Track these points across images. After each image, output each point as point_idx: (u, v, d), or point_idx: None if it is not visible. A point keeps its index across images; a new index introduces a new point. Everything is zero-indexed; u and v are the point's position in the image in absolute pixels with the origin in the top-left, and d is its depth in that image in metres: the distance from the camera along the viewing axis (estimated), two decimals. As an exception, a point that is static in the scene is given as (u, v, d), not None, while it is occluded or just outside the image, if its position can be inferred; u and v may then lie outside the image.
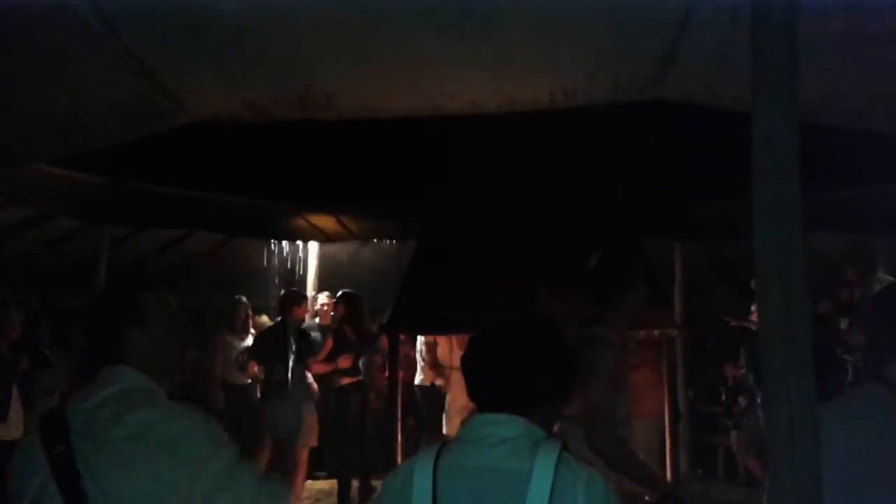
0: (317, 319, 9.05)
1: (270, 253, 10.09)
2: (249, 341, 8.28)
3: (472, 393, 1.87)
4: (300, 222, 7.75)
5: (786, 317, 1.86)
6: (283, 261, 10.32)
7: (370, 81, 2.71)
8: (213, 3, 2.26)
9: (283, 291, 7.62)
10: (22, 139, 3.29)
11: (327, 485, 8.01)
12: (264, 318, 8.68)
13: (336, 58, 2.58)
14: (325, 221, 7.73)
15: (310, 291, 9.99)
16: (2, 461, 1.99)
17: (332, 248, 9.70)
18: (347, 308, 7.65)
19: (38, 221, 7.30)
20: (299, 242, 9.54)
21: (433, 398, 7.70)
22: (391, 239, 9.14)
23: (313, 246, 9.79)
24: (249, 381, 8.13)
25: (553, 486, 1.64)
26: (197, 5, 2.26)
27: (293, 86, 2.78)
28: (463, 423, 1.86)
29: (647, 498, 3.08)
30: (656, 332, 4.92)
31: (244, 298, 8.64)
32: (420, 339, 7.75)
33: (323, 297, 9.05)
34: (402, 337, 6.29)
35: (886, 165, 4.25)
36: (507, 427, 1.74)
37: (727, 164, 2.84)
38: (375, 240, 9.20)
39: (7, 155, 3.50)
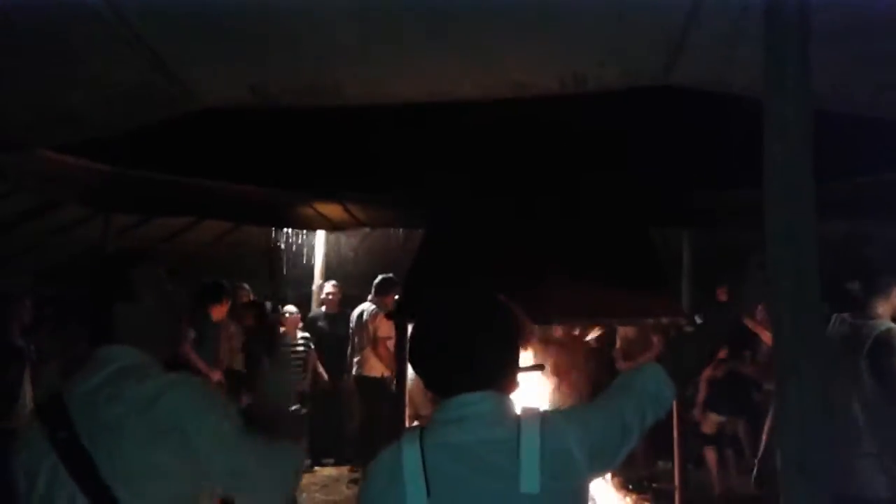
0: (323, 308, 9.08)
1: (277, 241, 10.12)
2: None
3: (434, 381, 1.87)
4: (307, 210, 7.75)
5: (797, 304, 1.87)
6: (289, 249, 10.35)
7: (378, 68, 2.70)
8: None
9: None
10: (28, 126, 3.30)
11: (335, 471, 8.07)
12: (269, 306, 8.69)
13: (344, 45, 2.57)
14: (333, 209, 7.73)
15: (316, 280, 10.03)
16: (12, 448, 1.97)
17: (340, 236, 9.72)
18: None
19: (45, 209, 7.32)
20: (306, 231, 9.55)
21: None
22: (398, 227, 9.14)
23: (320, 234, 9.80)
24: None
25: (542, 444, 1.69)
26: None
27: (301, 73, 2.78)
28: (436, 408, 1.85)
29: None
30: (664, 320, 4.91)
31: (247, 286, 8.66)
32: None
33: (329, 286, 9.08)
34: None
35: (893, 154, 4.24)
36: (482, 404, 1.78)
37: (737, 152, 2.84)
38: (383, 228, 9.19)
39: (13, 141, 3.51)
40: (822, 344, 1.89)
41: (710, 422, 7.03)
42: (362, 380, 7.83)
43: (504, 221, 5.04)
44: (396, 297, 7.88)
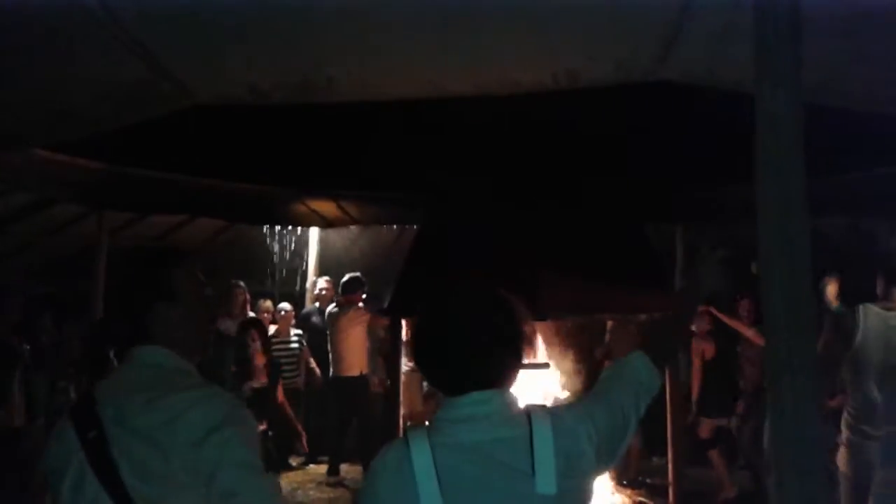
0: (317, 304, 9.09)
1: (271, 239, 10.11)
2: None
3: (439, 380, 1.85)
4: (300, 208, 7.74)
5: (789, 299, 1.87)
6: (283, 246, 10.34)
7: (370, 64, 2.70)
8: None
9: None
10: (21, 124, 3.29)
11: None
12: (268, 304, 8.69)
13: (337, 41, 2.57)
14: (326, 207, 7.73)
15: (310, 276, 10.04)
16: (3, 448, 1.96)
17: (333, 233, 9.72)
18: None
19: (38, 207, 7.30)
20: (299, 228, 9.55)
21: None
22: (392, 223, 9.15)
23: (314, 231, 9.80)
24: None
25: (555, 443, 1.68)
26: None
27: (294, 70, 2.78)
28: (440, 406, 1.83)
29: None
30: (657, 315, 4.92)
31: (242, 283, 8.65)
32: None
33: (323, 282, 9.09)
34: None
35: (889, 148, 4.25)
36: (490, 403, 1.76)
37: (729, 147, 2.84)
38: (376, 225, 9.20)
39: (7, 139, 3.50)
40: (814, 336, 1.88)
41: (706, 427, 7.03)
42: (338, 380, 7.87)
43: (498, 217, 5.05)
44: (364, 295, 7.96)
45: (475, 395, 1.75)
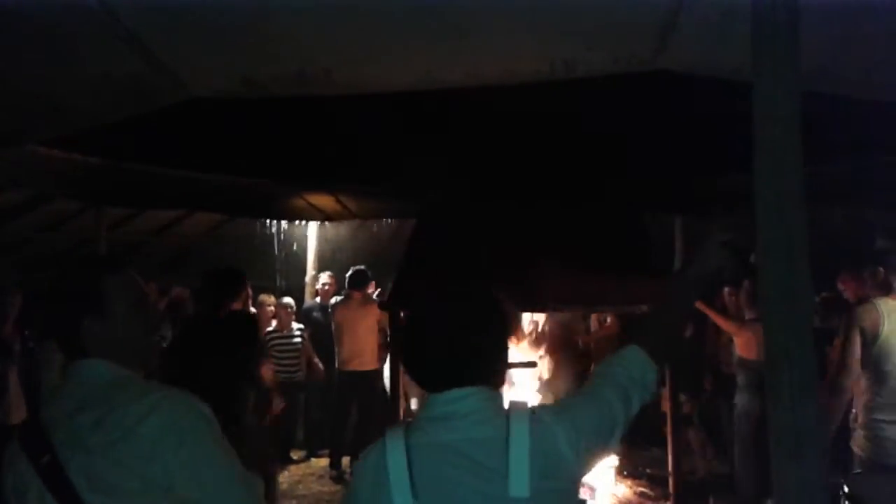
0: (318, 299, 9.10)
1: (270, 233, 10.11)
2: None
3: (423, 376, 1.82)
4: (299, 202, 7.75)
5: (787, 288, 1.86)
6: (282, 240, 10.34)
7: (367, 56, 2.68)
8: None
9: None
10: (15, 119, 3.27)
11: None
12: (271, 298, 8.70)
13: (333, 33, 2.56)
14: (324, 201, 7.73)
15: (309, 271, 10.05)
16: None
17: (331, 227, 9.73)
18: None
19: (36, 203, 7.30)
20: (298, 222, 9.55)
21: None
22: (391, 217, 9.15)
23: (312, 225, 9.81)
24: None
25: (532, 444, 1.65)
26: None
27: (291, 62, 2.76)
28: (422, 404, 1.81)
29: None
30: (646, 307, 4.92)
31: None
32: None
33: (325, 277, 9.09)
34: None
35: (887, 137, 4.24)
36: (471, 399, 1.73)
37: (729, 138, 2.83)
38: (375, 219, 9.21)
39: (2, 135, 3.49)
40: (812, 326, 1.88)
41: (685, 406, 7.08)
42: (350, 375, 7.86)
43: (496, 210, 5.04)
44: (370, 289, 7.96)
45: (454, 393, 1.73)
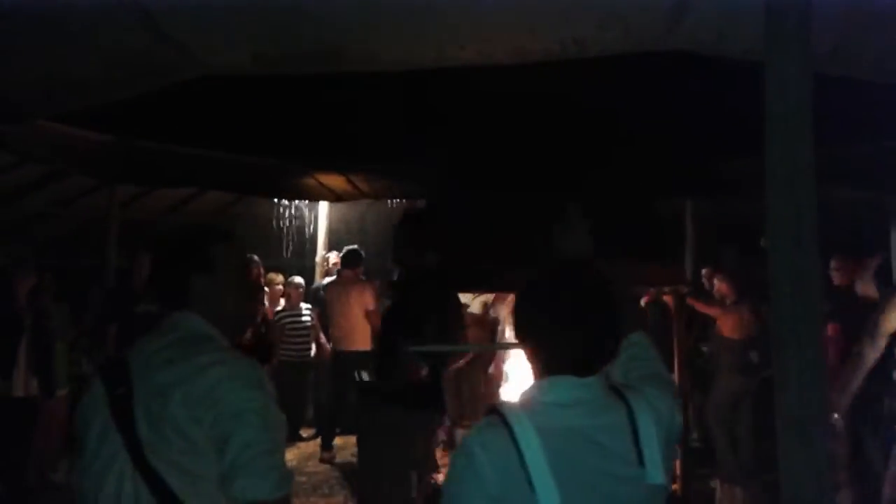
0: (327, 279, 9.10)
1: (280, 212, 10.12)
2: (262, 300, 8.35)
3: (555, 358, 1.73)
4: (310, 181, 7.74)
5: (796, 267, 1.87)
6: (292, 220, 10.36)
7: (378, 33, 2.68)
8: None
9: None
10: (30, 95, 3.29)
11: (340, 441, 8.12)
12: (279, 277, 8.71)
13: (343, 10, 2.56)
14: (335, 180, 7.72)
15: (319, 251, 10.05)
16: (6, 417, 1.99)
17: (342, 206, 9.72)
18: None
19: (49, 181, 7.33)
20: (309, 201, 9.55)
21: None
22: (401, 198, 9.13)
23: (323, 205, 9.80)
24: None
25: (657, 429, 1.66)
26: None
27: (302, 39, 2.76)
28: (537, 388, 1.72)
29: None
30: (666, 289, 4.93)
31: (255, 257, 8.67)
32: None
33: (334, 257, 9.09)
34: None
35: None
36: (593, 387, 1.70)
37: (740, 121, 2.82)
38: (386, 199, 9.19)
39: (15, 111, 3.50)
40: (820, 306, 1.88)
41: None
42: (341, 354, 7.76)
43: (505, 190, 5.03)
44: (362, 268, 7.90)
45: (579, 380, 1.68)
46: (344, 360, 7.66)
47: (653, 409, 1.70)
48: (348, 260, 7.81)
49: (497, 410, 1.68)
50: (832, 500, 1.87)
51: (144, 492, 1.75)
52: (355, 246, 8.00)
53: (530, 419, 1.62)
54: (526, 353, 1.82)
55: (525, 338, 1.80)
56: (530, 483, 1.55)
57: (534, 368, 1.78)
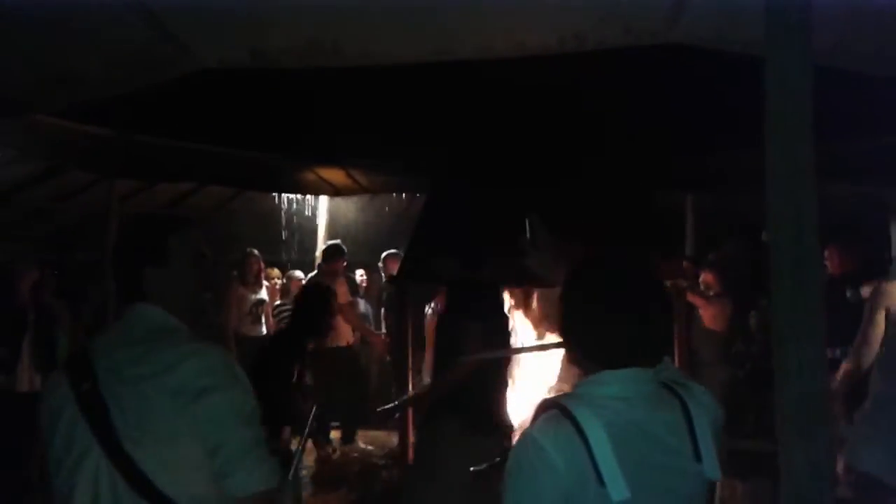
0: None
1: (280, 207, 10.13)
2: (263, 294, 8.37)
3: (605, 351, 1.72)
4: (309, 176, 7.74)
5: (797, 262, 1.86)
6: (292, 214, 10.35)
7: (377, 27, 2.67)
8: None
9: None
10: (27, 89, 3.28)
11: (335, 435, 8.17)
12: (275, 271, 8.74)
13: (343, 4, 2.55)
14: (335, 175, 7.72)
15: (319, 245, 10.06)
16: (10, 412, 2.01)
17: (342, 201, 9.73)
18: None
19: (48, 175, 7.32)
20: (309, 196, 9.56)
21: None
22: (402, 192, 9.14)
23: (323, 200, 9.81)
24: (264, 332, 8.24)
25: (710, 425, 1.69)
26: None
27: (300, 32, 2.75)
28: (596, 382, 1.72)
29: None
30: (668, 283, 4.92)
31: (256, 252, 8.68)
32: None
33: (334, 253, 9.11)
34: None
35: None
36: (651, 381, 1.71)
37: (741, 114, 2.81)
38: (386, 193, 9.19)
39: (13, 105, 3.49)
40: (822, 300, 1.87)
41: None
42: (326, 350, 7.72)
43: (506, 184, 5.02)
44: (344, 263, 7.89)
45: (633, 373, 1.69)
46: (322, 356, 7.65)
47: (702, 404, 1.71)
48: (327, 255, 7.83)
49: (557, 404, 1.66)
50: (832, 495, 1.86)
51: (121, 484, 1.77)
52: (337, 241, 8.01)
53: (594, 413, 1.61)
54: (575, 348, 1.80)
55: (576, 331, 1.78)
56: (600, 477, 1.54)
57: (584, 364, 1.77)
